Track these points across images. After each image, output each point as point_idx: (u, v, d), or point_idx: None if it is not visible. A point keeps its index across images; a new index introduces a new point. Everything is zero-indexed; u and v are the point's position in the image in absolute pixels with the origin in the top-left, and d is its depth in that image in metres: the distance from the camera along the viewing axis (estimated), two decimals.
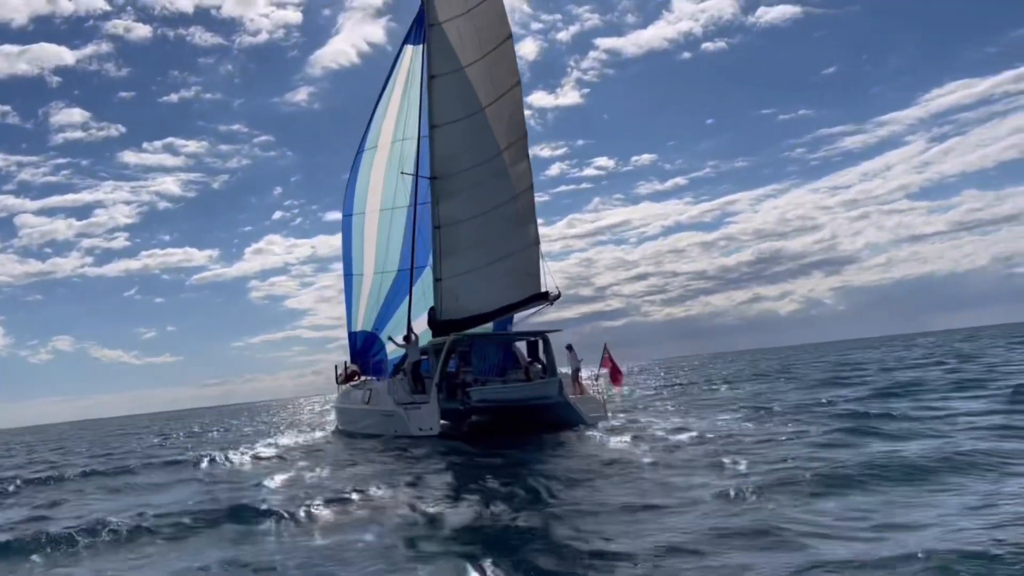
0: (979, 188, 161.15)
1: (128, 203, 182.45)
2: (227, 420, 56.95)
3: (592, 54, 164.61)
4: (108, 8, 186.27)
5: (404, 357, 22.62)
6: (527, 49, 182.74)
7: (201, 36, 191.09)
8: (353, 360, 26.93)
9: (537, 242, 21.76)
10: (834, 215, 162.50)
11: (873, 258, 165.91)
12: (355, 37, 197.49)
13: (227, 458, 17.00)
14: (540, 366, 20.33)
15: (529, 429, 19.58)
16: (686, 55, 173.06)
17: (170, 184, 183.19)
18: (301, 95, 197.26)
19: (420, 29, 25.66)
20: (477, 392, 19.15)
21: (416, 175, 24.86)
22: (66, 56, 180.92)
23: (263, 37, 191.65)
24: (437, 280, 23.77)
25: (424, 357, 22.06)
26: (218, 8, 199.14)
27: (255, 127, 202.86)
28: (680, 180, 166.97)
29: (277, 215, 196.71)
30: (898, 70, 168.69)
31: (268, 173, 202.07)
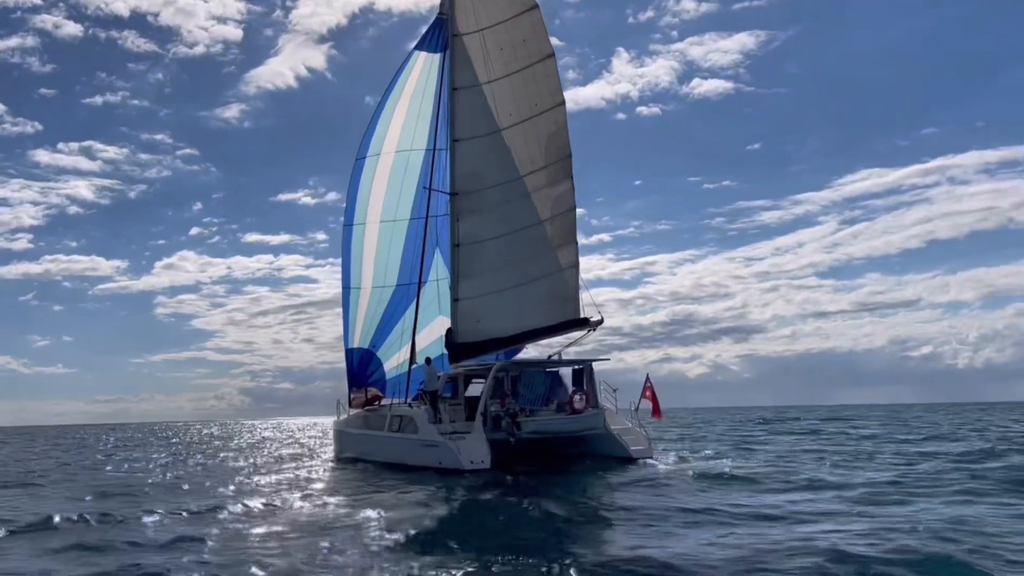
0: (882, 272, 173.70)
1: (36, 204, 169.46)
2: (146, 445, 44.81)
3: None
4: (39, 2, 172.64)
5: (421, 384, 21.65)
6: None
7: (134, 41, 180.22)
8: (350, 380, 25.56)
9: (576, 265, 21.26)
10: (746, 285, 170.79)
11: (779, 329, 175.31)
12: (294, 60, 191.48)
13: None
14: (582, 396, 19.84)
15: (571, 460, 19.19)
16: (621, 116, 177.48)
17: (83, 188, 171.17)
18: (232, 111, 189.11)
19: (436, 36, 24.63)
20: (529, 423, 18.54)
21: (430, 188, 23.87)
22: None
23: (200, 50, 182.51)
24: (455, 300, 22.89)
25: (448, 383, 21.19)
26: (156, 15, 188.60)
27: (180, 139, 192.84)
28: (605, 236, 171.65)
29: (194, 231, 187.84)
30: (816, 153, 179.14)
31: (189, 187, 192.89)
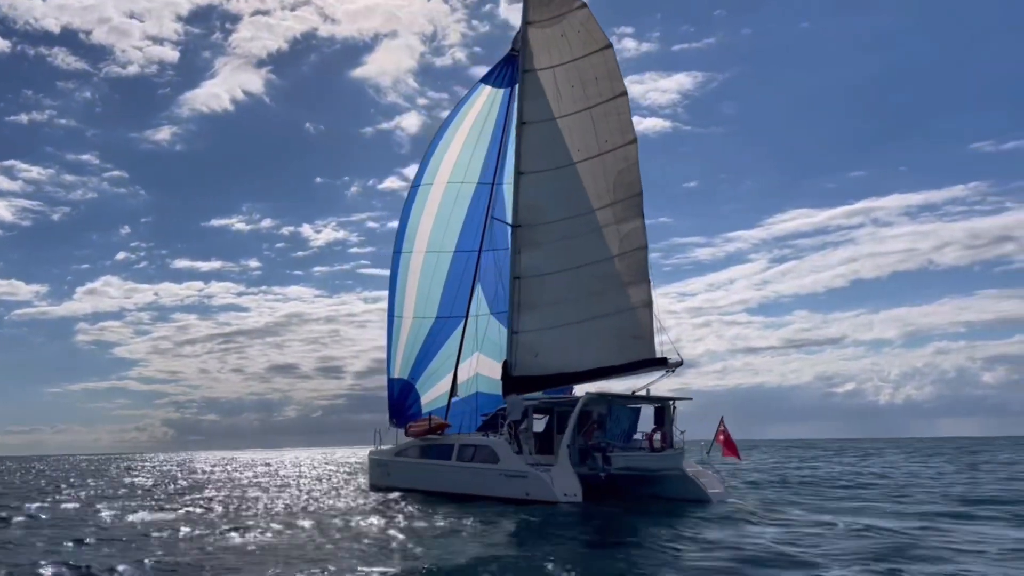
0: (809, 310, 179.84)
1: None
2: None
3: None
4: None
5: (497, 409, 21.10)
6: (408, 122, 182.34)
7: (64, 59, 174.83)
8: (392, 410, 24.72)
9: (649, 304, 21.13)
10: (680, 320, 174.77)
11: (711, 364, 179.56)
12: (231, 83, 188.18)
13: None
14: (660, 435, 19.54)
15: (646, 499, 18.79)
16: None
17: (2, 209, 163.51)
18: (163, 134, 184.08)
19: (506, 71, 24.76)
20: (620, 458, 18.14)
21: (487, 218, 23.71)
22: None
23: (133, 70, 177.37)
24: (513, 333, 22.50)
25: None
26: (88, 33, 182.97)
27: (108, 160, 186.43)
28: None
29: (120, 255, 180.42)
30: (749, 192, 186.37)
31: (116, 210, 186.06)
